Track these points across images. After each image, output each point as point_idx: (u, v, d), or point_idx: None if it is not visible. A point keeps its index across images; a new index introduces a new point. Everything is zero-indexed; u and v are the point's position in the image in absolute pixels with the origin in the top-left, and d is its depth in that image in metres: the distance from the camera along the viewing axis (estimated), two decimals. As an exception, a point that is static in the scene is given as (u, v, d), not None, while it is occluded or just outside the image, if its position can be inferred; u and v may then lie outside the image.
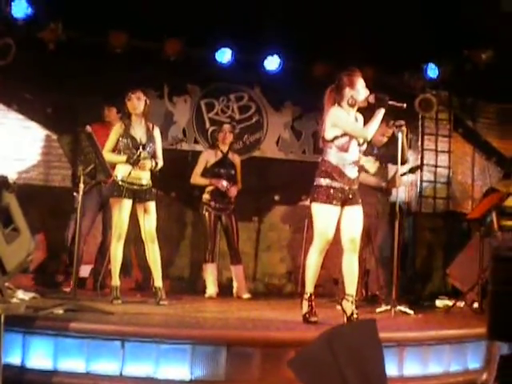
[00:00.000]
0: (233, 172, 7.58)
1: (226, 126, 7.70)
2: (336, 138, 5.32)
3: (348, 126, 5.32)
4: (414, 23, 7.45)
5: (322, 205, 5.29)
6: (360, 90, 5.36)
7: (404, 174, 8.00)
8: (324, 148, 5.44)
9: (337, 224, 5.36)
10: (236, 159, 7.71)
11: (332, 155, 5.35)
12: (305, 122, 9.17)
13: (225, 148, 7.60)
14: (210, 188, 7.48)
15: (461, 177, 9.70)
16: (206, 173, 7.52)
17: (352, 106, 5.37)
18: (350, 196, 5.37)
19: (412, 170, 8.12)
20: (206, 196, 7.50)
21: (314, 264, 5.34)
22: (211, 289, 7.38)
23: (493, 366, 3.25)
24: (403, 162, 6.55)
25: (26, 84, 7.96)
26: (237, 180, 7.61)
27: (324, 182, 5.32)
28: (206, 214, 7.47)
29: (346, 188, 5.33)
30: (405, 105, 5.39)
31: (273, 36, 7.62)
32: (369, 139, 5.36)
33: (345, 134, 5.29)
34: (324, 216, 5.30)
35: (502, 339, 3.30)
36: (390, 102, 5.32)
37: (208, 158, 7.56)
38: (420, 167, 8.96)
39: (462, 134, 9.68)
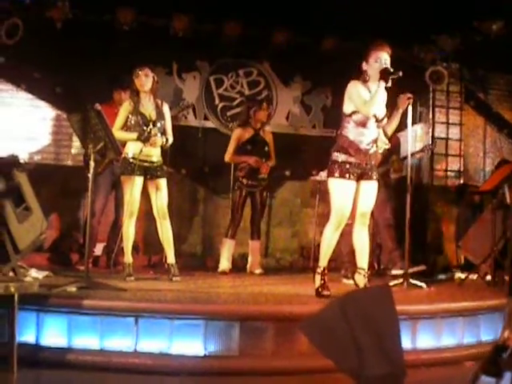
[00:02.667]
0: (266, 149, 7.58)
1: (265, 105, 7.69)
2: (354, 112, 5.28)
3: (354, 100, 5.26)
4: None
5: (338, 180, 5.27)
6: (373, 65, 5.29)
7: (415, 153, 8.00)
8: (342, 122, 5.40)
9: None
10: (268, 136, 7.71)
11: (349, 130, 5.32)
12: (314, 97, 9.12)
13: (257, 125, 7.59)
14: (242, 165, 7.49)
15: (472, 149, 9.64)
16: (238, 150, 7.52)
17: (365, 80, 5.32)
18: (367, 171, 5.35)
19: (423, 150, 8.10)
20: (238, 173, 7.51)
21: (330, 239, 5.34)
22: (225, 264, 7.40)
23: None
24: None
25: (35, 63, 7.94)
26: (270, 157, 7.61)
27: (340, 157, 5.30)
28: (238, 190, 7.49)
29: (363, 163, 5.31)
30: (401, 73, 5.26)
31: (281, 10, 7.56)
32: (369, 115, 5.24)
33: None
34: (340, 191, 5.28)
35: None
36: (387, 73, 5.19)
37: (240, 135, 7.55)
38: (431, 144, 8.86)
39: (473, 107, 9.61)
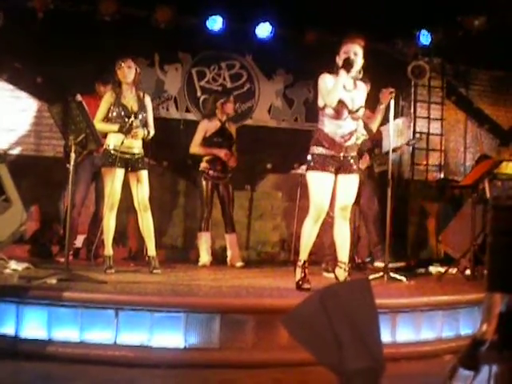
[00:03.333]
0: (230, 141, 7.57)
1: (230, 97, 7.69)
2: (325, 105, 5.30)
3: (321, 92, 5.31)
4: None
5: (315, 173, 5.28)
6: (341, 56, 5.32)
7: (400, 146, 8.05)
8: (319, 116, 5.43)
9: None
10: (232, 128, 7.70)
11: (325, 123, 5.33)
12: (297, 90, 9.14)
13: (223, 117, 7.57)
14: (208, 157, 7.46)
15: (453, 144, 9.70)
16: (204, 142, 7.49)
17: (334, 73, 5.33)
18: (345, 164, 5.35)
19: (409, 143, 8.16)
20: (204, 165, 7.47)
21: (309, 232, 5.34)
22: (205, 257, 7.40)
23: (492, 318, 3.25)
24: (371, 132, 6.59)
25: (16, 53, 7.89)
26: (233, 150, 7.61)
27: (317, 150, 5.31)
28: (204, 182, 7.46)
29: (340, 156, 5.32)
30: (359, 62, 5.28)
31: (264, 3, 7.56)
32: (332, 105, 5.22)
33: None
34: (318, 184, 5.29)
35: (501, 290, 3.30)
36: (348, 63, 5.22)
37: (207, 127, 7.52)
38: (414, 138, 8.90)
39: (454, 102, 9.67)
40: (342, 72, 5.22)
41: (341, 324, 2.73)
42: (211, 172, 7.44)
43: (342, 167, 5.35)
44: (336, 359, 2.73)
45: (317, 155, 5.30)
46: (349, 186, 5.40)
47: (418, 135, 9.03)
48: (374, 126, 5.65)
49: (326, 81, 5.31)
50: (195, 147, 7.49)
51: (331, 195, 5.36)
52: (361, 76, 5.41)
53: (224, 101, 7.55)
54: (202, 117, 7.84)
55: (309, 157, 5.35)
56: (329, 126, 5.31)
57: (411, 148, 9.10)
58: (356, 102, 5.36)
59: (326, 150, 5.28)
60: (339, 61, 5.31)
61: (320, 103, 5.35)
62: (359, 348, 2.73)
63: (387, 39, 8.78)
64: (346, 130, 5.33)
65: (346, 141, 5.33)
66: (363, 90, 5.46)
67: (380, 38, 8.59)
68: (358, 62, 5.32)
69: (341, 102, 5.25)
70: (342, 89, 5.29)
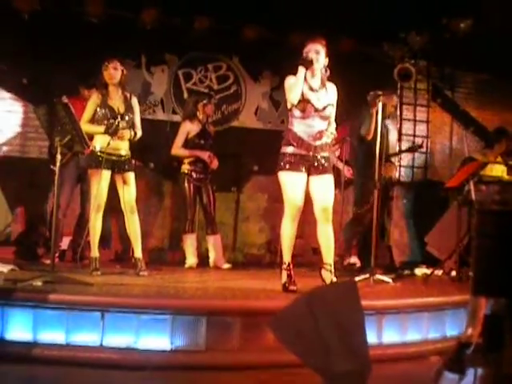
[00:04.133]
0: (211, 143, 7.56)
1: (211, 99, 7.70)
2: (292, 106, 5.35)
3: (286, 92, 5.39)
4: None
5: (286, 172, 5.33)
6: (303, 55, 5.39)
7: (402, 151, 8.10)
8: (289, 118, 5.49)
9: (307, 193, 5.39)
10: (212, 130, 7.71)
11: (293, 124, 5.39)
12: (283, 92, 9.03)
13: (204, 119, 7.57)
14: (190, 159, 7.46)
15: (439, 146, 9.74)
16: (187, 144, 7.48)
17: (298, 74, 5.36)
18: (317, 164, 5.37)
19: (411, 149, 8.24)
20: (186, 167, 7.47)
21: (289, 232, 5.37)
22: (191, 259, 7.40)
23: (477, 321, 3.27)
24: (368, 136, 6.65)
25: (1, 55, 7.83)
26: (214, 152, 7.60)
27: (287, 149, 5.36)
28: (186, 184, 7.45)
29: (310, 155, 5.34)
30: (312, 58, 5.35)
31: (251, 5, 7.56)
32: (294, 102, 5.28)
33: (299, 102, 5.30)
34: (290, 183, 5.32)
35: (487, 294, 3.32)
36: (305, 60, 5.30)
37: (189, 129, 7.51)
38: (417, 144, 8.93)
39: (440, 104, 9.71)
40: (301, 69, 5.28)
41: (327, 327, 2.74)
42: (194, 174, 7.44)
43: (313, 167, 5.38)
44: (322, 362, 2.74)
45: (287, 155, 5.34)
46: (324, 186, 5.42)
47: (419, 141, 9.04)
48: (365, 130, 5.67)
49: (289, 82, 5.38)
50: (177, 149, 7.49)
51: (307, 197, 5.39)
52: (327, 74, 5.46)
53: (205, 102, 7.56)
54: (182, 118, 7.82)
55: (280, 157, 5.39)
56: (297, 126, 5.36)
57: (397, 150, 9.12)
58: (322, 101, 5.39)
59: (295, 150, 5.33)
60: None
61: (288, 105, 5.42)
62: (345, 351, 2.73)
63: (374, 42, 8.80)
64: (315, 129, 5.36)
65: (315, 140, 5.36)
66: (332, 89, 5.51)
67: (367, 41, 8.62)
68: (320, 60, 5.38)
69: (307, 101, 5.30)
70: (308, 89, 5.35)
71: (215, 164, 7.49)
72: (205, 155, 7.40)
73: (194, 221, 7.53)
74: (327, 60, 5.44)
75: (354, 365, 2.75)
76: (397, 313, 4.96)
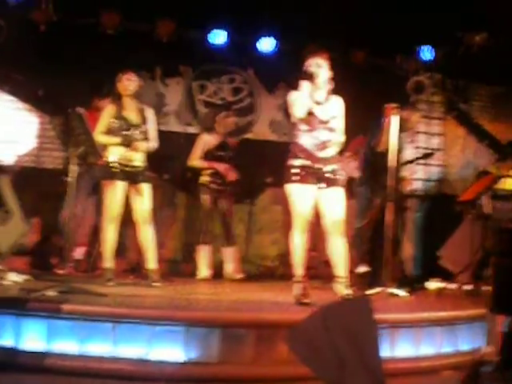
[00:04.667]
0: (231, 155, 7.59)
1: (230, 111, 7.78)
2: (297, 120, 5.36)
3: (290, 107, 5.37)
4: (407, 5, 7.42)
5: (293, 185, 5.33)
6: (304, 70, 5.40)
7: (416, 159, 8.08)
8: (294, 131, 5.49)
9: (317, 206, 5.38)
10: (232, 143, 7.74)
11: (299, 136, 5.41)
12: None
13: (223, 132, 7.60)
14: (208, 171, 7.49)
15: (453, 159, 9.71)
16: (205, 156, 7.51)
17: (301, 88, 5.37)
18: (325, 176, 5.37)
19: (424, 157, 8.22)
20: (205, 178, 7.52)
21: (299, 245, 5.36)
22: (204, 271, 7.41)
23: (495, 339, 3.26)
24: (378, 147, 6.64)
25: (18, 66, 7.88)
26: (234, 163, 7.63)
27: (293, 162, 5.36)
28: (204, 195, 7.48)
29: (318, 167, 5.34)
30: (313, 72, 5.35)
31: (267, 17, 7.59)
32: (299, 117, 5.25)
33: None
34: (298, 195, 5.32)
35: (505, 312, 3.31)
36: (307, 73, 5.30)
37: (206, 141, 7.55)
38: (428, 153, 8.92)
39: (454, 117, 9.68)
40: (304, 83, 5.28)
41: (342, 341, 2.74)
42: (212, 185, 7.47)
43: (321, 180, 5.37)
44: (336, 376, 2.74)
45: (294, 167, 5.34)
46: (332, 199, 5.40)
47: (430, 151, 9.03)
48: (378, 143, 5.66)
49: (292, 97, 5.38)
50: (194, 160, 7.53)
51: (318, 211, 5.39)
52: (331, 87, 5.45)
53: (224, 115, 7.60)
54: (201, 130, 7.85)
55: (287, 170, 5.39)
56: (303, 138, 5.38)
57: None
58: (327, 113, 5.40)
59: (302, 161, 5.33)
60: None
61: (292, 119, 5.42)
62: (359, 365, 2.73)
63: (388, 55, 8.80)
64: (320, 140, 5.36)
65: (321, 151, 5.35)
66: (337, 102, 5.50)
67: (380, 54, 8.62)
68: (323, 73, 5.37)
69: (311, 114, 5.28)
70: (312, 102, 5.34)
71: (232, 176, 7.51)
72: (221, 167, 7.43)
73: (210, 232, 7.54)
74: (331, 73, 5.43)
75: (367, 379, 2.74)
76: (410, 326, 4.94)
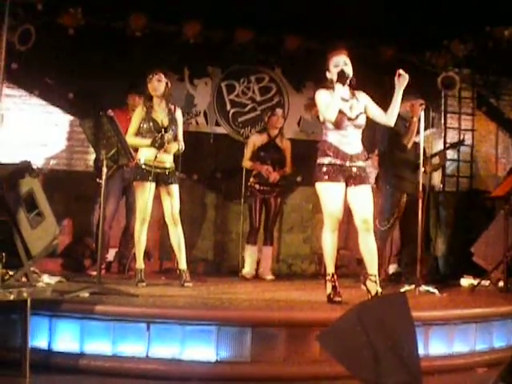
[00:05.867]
0: (278, 156, 7.61)
1: (279, 111, 7.81)
2: (325, 119, 5.36)
3: (320, 108, 5.37)
4: (436, 0, 7.36)
5: (324, 183, 5.33)
6: (332, 70, 5.37)
7: (447, 148, 7.99)
8: (323, 129, 5.49)
9: (347, 204, 5.38)
10: (284, 143, 7.76)
11: (328, 135, 5.39)
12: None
13: (274, 132, 7.63)
14: (255, 172, 7.54)
15: (484, 155, 9.62)
16: (252, 156, 7.56)
17: (330, 88, 5.35)
18: (354, 174, 5.35)
19: (454, 145, 8.14)
20: (252, 179, 7.60)
21: (329, 244, 5.36)
22: (246, 269, 7.49)
23: None
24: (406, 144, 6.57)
25: (47, 69, 7.99)
26: (284, 164, 7.66)
27: (323, 160, 5.36)
28: (252, 196, 7.55)
29: (347, 165, 5.32)
30: (349, 75, 5.31)
31: (291, 16, 7.57)
32: (331, 120, 5.26)
33: None
34: (328, 194, 5.32)
35: None
36: (342, 75, 5.26)
37: (255, 141, 7.61)
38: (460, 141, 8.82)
39: (485, 112, 9.58)
40: (338, 85, 5.28)
41: (378, 339, 2.72)
42: (257, 186, 7.51)
43: (351, 178, 5.36)
44: (372, 374, 2.72)
45: (324, 165, 5.34)
46: (362, 197, 5.38)
47: (461, 137, 8.95)
48: (407, 140, 5.62)
49: (322, 97, 5.37)
50: (245, 161, 7.69)
51: (348, 208, 5.38)
52: (354, 82, 5.41)
53: (270, 114, 7.64)
54: (230, 131, 7.90)
55: (317, 168, 5.39)
56: (332, 137, 5.37)
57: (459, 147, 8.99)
58: (354, 110, 5.39)
59: (332, 160, 5.32)
60: (332, 75, 5.35)
61: (320, 118, 5.43)
62: (396, 363, 2.71)
63: (417, 50, 8.75)
64: (350, 138, 5.37)
65: (351, 149, 5.34)
66: (362, 97, 5.49)
67: (409, 50, 8.57)
68: (349, 70, 5.35)
69: (340, 112, 5.28)
70: (340, 100, 5.33)
71: (274, 177, 7.52)
72: (262, 168, 7.45)
73: (258, 233, 7.59)
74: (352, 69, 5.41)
75: (404, 377, 2.72)
76: (443, 324, 4.90)
